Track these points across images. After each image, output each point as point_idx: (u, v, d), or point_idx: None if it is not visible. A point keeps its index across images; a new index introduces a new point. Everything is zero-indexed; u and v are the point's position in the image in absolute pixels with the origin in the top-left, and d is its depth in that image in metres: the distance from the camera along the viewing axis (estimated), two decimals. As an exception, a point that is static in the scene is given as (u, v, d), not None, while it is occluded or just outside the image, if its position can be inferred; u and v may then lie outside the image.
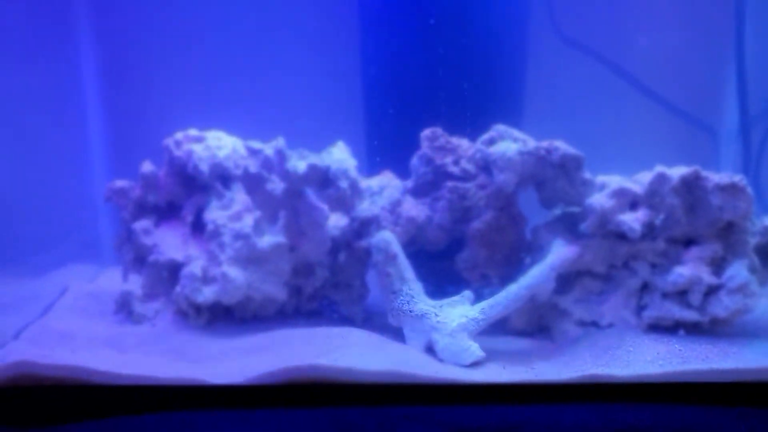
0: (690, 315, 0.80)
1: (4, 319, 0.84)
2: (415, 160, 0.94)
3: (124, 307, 0.89)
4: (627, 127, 1.11)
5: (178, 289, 0.85)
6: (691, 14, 1.08)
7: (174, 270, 0.87)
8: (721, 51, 1.06)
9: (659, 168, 0.83)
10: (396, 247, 0.87)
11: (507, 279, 0.86)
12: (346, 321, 0.93)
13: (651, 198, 0.83)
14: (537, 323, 0.89)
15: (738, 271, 0.79)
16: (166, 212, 0.92)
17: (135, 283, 0.90)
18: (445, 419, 0.72)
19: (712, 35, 1.07)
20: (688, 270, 0.80)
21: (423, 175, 0.93)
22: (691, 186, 0.81)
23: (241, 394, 0.75)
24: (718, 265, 0.81)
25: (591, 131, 1.05)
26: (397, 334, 0.87)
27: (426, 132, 0.92)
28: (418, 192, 0.94)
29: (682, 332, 0.81)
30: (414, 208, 0.92)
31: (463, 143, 0.93)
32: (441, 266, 0.94)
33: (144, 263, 0.89)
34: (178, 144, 0.90)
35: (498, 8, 1.02)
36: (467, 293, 0.85)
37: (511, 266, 0.90)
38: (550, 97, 1.06)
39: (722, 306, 0.79)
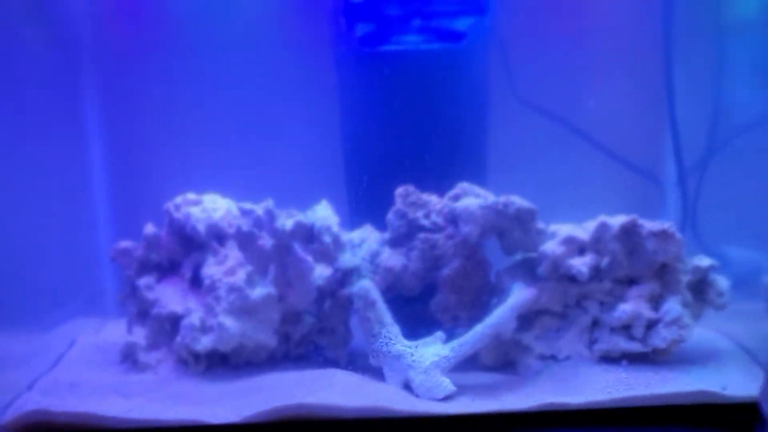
0: (634, 346, 0.91)
1: (17, 373, 0.92)
2: (390, 215, 1.04)
3: (128, 357, 0.97)
4: (581, 178, 1.23)
5: (178, 339, 0.94)
6: (633, 76, 1.22)
7: (175, 322, 0.96)
8: (660, 107, 1.19)
9: (602, 217, 0.94)
10: (375, 294, 0.97)
11: (475, 319, 0.96)
12: (332, 363, 1.02)
13: (596, 244, 0.94)
14: (503, 359, 0.99)
15: (672, 306, 0.90)
16: (167, 269, 1.02)
17: (138, 335, 0.99)
18: (420, 448, 0.81)
19: (652, 93, 1.20)
20: (630, 306, 0.90)
21: (398, 228, 1.03)
22: (629, 232, 0.93)
23: (237, 433, 0.84)
24: (656, 302, 0.92)
25: (548, 183, 1.17)
26: (378, 373, 0.95)
27: (399, 190, 1.04)
28: (394, 243, 1.04)
29: (625, 362, 0.91)
30: (391, 258, 1.02)
31: (432, 199, 1.04)
32: (416, 310, 1.03)
33: (147, 316, 0.98)
34: (177, 207, 1.00)
35: (462, 79, 1.15)
36: (439, 334, 0.95)
37: (478, 308, 1.00)
38: (510, 154, 1.18)
39: (660, 337, 0.89)
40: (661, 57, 1.14)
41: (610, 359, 0.93)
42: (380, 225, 1.07)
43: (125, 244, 1.02)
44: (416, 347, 0.93)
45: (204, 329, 0.94)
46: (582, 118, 1.21)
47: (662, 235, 0.90)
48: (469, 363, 1.00)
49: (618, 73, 1.22)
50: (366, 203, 1.12)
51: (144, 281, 0.98)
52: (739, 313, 1.06)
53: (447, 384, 0.89)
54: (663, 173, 1.22)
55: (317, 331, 1.02)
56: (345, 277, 1.01)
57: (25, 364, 0.96)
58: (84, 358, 1.02)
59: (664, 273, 0.93)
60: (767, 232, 0.97)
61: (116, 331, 1.10)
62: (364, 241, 1.05)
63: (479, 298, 1.01)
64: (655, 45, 1.15)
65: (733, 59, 1.08)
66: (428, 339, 0.95)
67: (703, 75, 1.15)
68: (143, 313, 0.98)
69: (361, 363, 0.99)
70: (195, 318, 0.94)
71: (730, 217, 1.10)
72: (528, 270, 0.99)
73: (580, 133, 1.20)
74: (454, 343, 0.93)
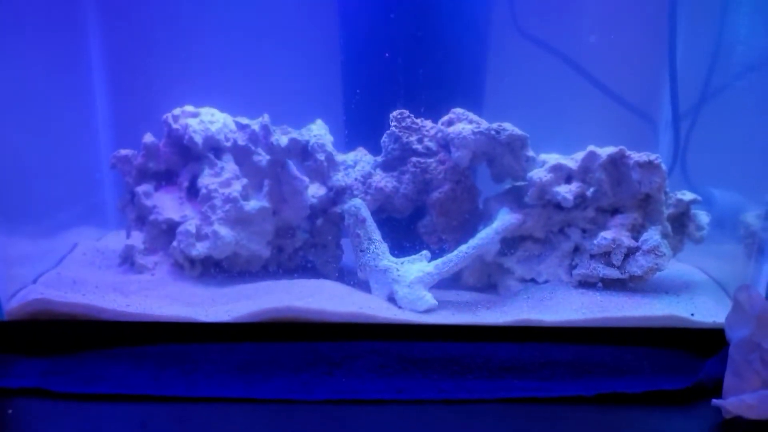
0: (612, 272, 0.94)
1: (23, 269, 0.97)
2: (385, 138, 1.06)
3: (127, 259, 1.01)
4: (578, 115, 1.24)
5: (174, 244, 0.98)
6: (636, 16, 1.22)
7: (171, 228, 1.00)
8: (661, 50, 1.19)
9: (591, 147, 0.96)
10: (365, 212, 1.00)
11: (461, 242, 0.99)
12: (323, 277, 1.06)
13: (583, 173, 0.96)
14: (486, 280, 1.03)
15: (651, 236, 0.93)
16: (165, 178, 1.05)
17: (137, 239, 1.03)
18: (399, 352, 0.86)
19: (653, 35, 1.20)
20: (611, 234, 0.93)
21: (391, 151, 1.06)
22: (616, 163, 0.95)
23: (228, 331, 0.89)
24: (637, 231, 0.95)
25: (545, 117, 1.18)
26: (366, 288, 1.00)
27: (394, 113, 1.05)
28: (387, 166, 1.07)
29: (600, 285, 0.95)
30: (383, 180, 1.05)
31: (427, 124, 1.06)
32: (406, 231, 1.07)
33: (145, 222, 1.02)
34: (175, 118, 1.02)
35: (464, 6, 1.15)
36: (425, 252, 0.99)
37: (465, 232, 1.03)
38: (509, 86, 1.19)
39: (638, 264, 0.93)
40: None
41: (587, 284, 0.97)
42: (376, 149, 1.09)
43: (125, 151, 1.04)
44: (402, 263, 0.97)
45: (199, 236, 0.97)
46: (582, 55, 1.21)
47: (647, 166, 0.92)
48: (453, 282, 1.05)
49: (620, 11, 1.21)
50: (362, 127, 1.14)
51: (142, 188, 1.02)
52: (720, 252, 1.09)
53: (429, 298, 0.93)
54: (658, 113, 1.23)
55: (310, 246, 1.06)
56: (337, 195, 1.04)
57: (31, 261, 1.00)
58: (85, 259, 1.06)
59: (647, 204, 0.95)
60: (753, 175, 0.99)
61: (116, 239, 1.14)
62: (358, 163, 1.07)
63: (466, 223, 1.04)
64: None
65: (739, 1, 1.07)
66: (414, 256, 0.98)
67: (705, 17, 1.14)
68: (141, 218, 1.02)
69: (350, 279, 1.03)
70: (191, 225, 0.97)
71: (719, 159, 1.12)
72: (515, 197, 1.02)
73: (579, 69, 1.20)
74: (438, 261, 0.97)
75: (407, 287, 0.95)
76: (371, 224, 1.00)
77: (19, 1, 0.96)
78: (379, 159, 1.07)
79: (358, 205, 1.00)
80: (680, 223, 0.99)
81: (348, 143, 1.13)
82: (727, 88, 1.08)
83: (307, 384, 0.80)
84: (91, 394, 0.78)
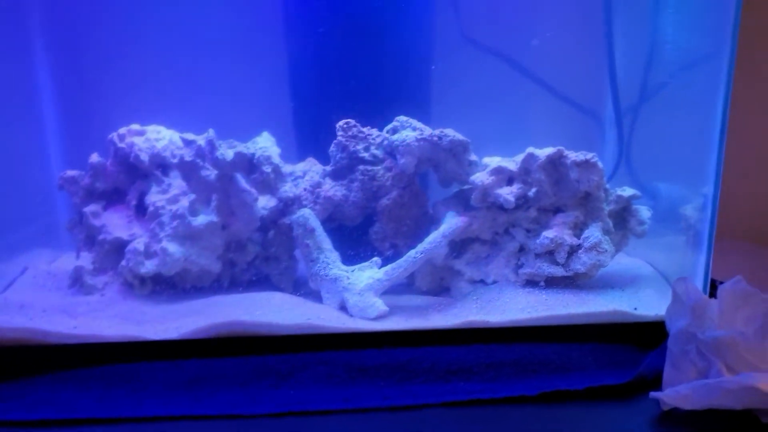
0: (557, 270, 0.96)
1: (-31, 294, 0.96)
2: (332, 148, 1.07)
3: (76, 281, 1.01)
4: (526, 116, 1.26)
5: (123, 263, 0.98)
6: (575, 16, 1.24)
7: (120, 247, 0.99)
8: (602, 50, 1.21)
9: (530, 149, 0.98)
10: (313, 222, 1.01)
11: (413, 247, 1.00)
12: (277, 290, 1.06)
13: (524, 174, 0.98)
14: (438, 284, 1.04)
15: (592, 233, 0.94)
16: (113, 197, 1.04)
17: (86, 260, 1.02)
18: (347, 361, 0.86)
19: (594, 34, 1.22)
20: (553, 233, 0.95)
21: (339, 160, 1.07)
22: (555, 163, 0.97)
23: (176, 348, 0.89)
24: (579, 229, 0.97)
25: (492, 119, 1.19)
26: (319, 298, 1.00)
27: (340, 123, 1.06)
28: (336, 175, 1.07)
29: (542, 284, 0.96)
30: (332, 189, 1.05)
31: (373, 132, 1.07)
32: (357, 238, 1.08)
33: (94, 242, 1.01)
34: (121, 137, 1.02)
35: (408, 14, 1.16)
36: (376, 259, 1.00)
37: (416, 237, 1.04)
38: (454, 90, 1.20)
39: (581, 262, 0.95)
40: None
41: (534, 283, 0.98)
42: (326, 159, 1.10)
43: (72, 172, 1.04)
44: (353, 271, 0.98)
45: (148, 254, 0.97)
46: (526, 57, 1.23)
47: (585, 165, 0.94)
48: (407, 287, 1.06)
49: (561, 13, 1.23)
50: (312, 137, 1.14)
51: (90, 208, 1.01)
52: (665, 245, 1.12)
53: (379, 304, 0.94)
54: (603, 112, 1.25)
55: (262, 258, 1.07)
56: (286, 206, 1.05)
57: (-23, 287, 1.00)
58: (35, 282, 1.05)
59: (587, 202, 0.97)
60: (692, 168, 1.01)
61: (69, 261, 1.13)
62: (307, 173, 1.08)
63: (417, 228, 1.06)
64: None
65: (667, 1, 1.10)
66: (364, 264, 0.99)
67: (639, 16, 1.17)
68: (90, 239, 1.02)
69: (305, 290, 1.03)
70: (139, 243, 0.97)
71: (662, 154, 1.14)
72: (462, 201, 1.04)
73: (524, 71, 1.22)
74: (388, 267, 0.97)
75: (357, 295, 0.95)
76: (321, 234, 1.00)
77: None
78: (328, 168, 1.08)
79: (306, 215, 1.00)
80: (622, 218, 1.01)
81: (299, 154, 1.14)
82: (664, 86, 1.10)
83: (254, 397, 0.81)
84: (35, 420, 0.77)
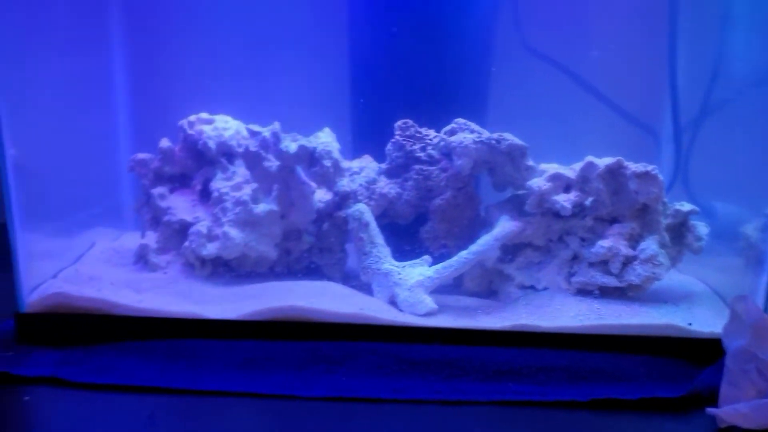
0: (610, 281, 0.96)
1: (44, 263, 1.02)
2: (389, 146, 1.10)
3: (141, 258, 1.06)
4: (581, 127, 1.26)
5: (186, 244, 1.02)
6: (638, 31, 1.24)
7: (184, 228, 1.04)
8: (663, 64, 1.21)
9: (589, 157, 0.98)
10: (368, 217, 1.03)
11: (462, 248, 1.01)
12: (327, 280, 1.09)
13: (582, 182, 0.98)
14: (486, 286, 1.05)
15: (649, 245, 0.94)
16: (179, 181, 1.09)
17: (150, 239, 1.07)
18: (397, 353, 0.88)
19: (656, 49, 1.22)
20: (609, 242, 0.95)
21: (395, 159, 1.09)
22: (614, 173, 0.97)
23: (233, 328, 0.92)
24: (635, 241, 0.97)
25: (547, 129, 1.20)
26: (368, 290, 1.03)
27: (399, 123, 1.09)
28: (391, 173, 1.10)
29: (597, 293, 0.96)
30: (386, 187, 1.08)
31: (430, 133, 1.09)
32: (408, 236, 1.10)
33: (159, 222, 1.06)
34: (191, 124, 1.07)
35: (470, 20, 1.18)
36: (426, 257, 1.02)
37: (466, 238, 1.06)
38: (512, 98, 1.22)
39: (635, 273, 0.94)
40: (667, 10, 1.15)
41: (585, 292, 0.98)
42: (381, 157, 1.13)
43: (142, 155, 1.09)
44: (403, 267, 1.00)
45: (210, 237, 1.01)
46: (585, 69, 1.23)
47: (645, 176, 0.94)
48: (454, 288, 1.07)
49: (624, 25, 1.23)
50: (369, 135, 1.17)
51: (158, 190, 1.06)
52: (720, 264, 1.10)
53: (429, 301, 0.96)
54: (661, 127, 1.24)
55: (316, 249, 1.10)
56: (342, 200, 1.08)
57: (52, 258, 1.05)
58: (102, 257, 1.11)
59: (644, 213, 0.97)
60: (753, 188, 1.00)
61: (132, 239, 1.19)
62: (363, 170, 1.11)
63: (467, 230, 1.07)
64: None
65: (738, 16, 1.09)
66: (415, 261, 1.01)
67: (706, 32, 1.16)
68: (156, 219, 1.07)
69: (353, 282, 1.06)
70: (202, 226, 1.02)
71: (720, 172, 1.13)
72: (516, 206, 1.05)
73: (582, 83, 1.23)
74: (439, 266, 0.99)
75: (408, 290, 0.97)
76: (374, 228, 1.03)
77: (49, 13, 1.02)
78: (384, 166, 1.11)
79: (361, 209, 1.03)
80: (679, 233, 1.00)
81: (354, 151, 1.17)
82: (727, 103, 1.09)
83: (307, 381, 0.83)
84: (101, 384, 0.82)
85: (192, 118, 1.08)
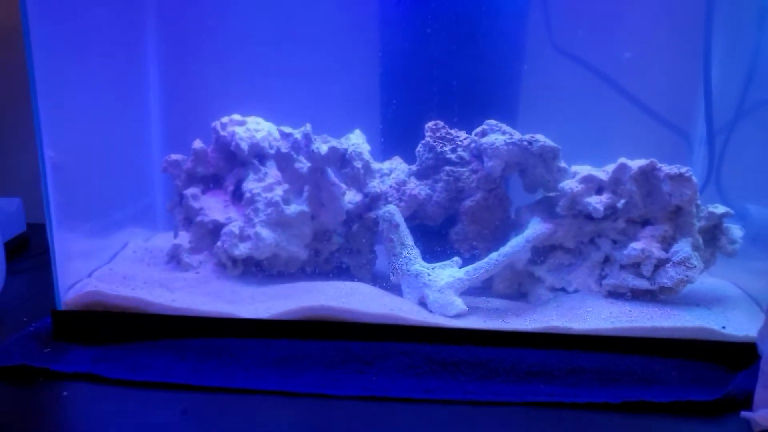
0: (642, 283, 0.95)
1: (79, 262, 1.04)
2: (419, 148, 1.10)
3: (174, 258, 1.08)
4: (612, 129, 1.25)
5: (218, 244, 1.04)
6: (671, 32, 1.23)
7: (216, 229, 1.05)
8: (696, 66, 1.20)
9: (622, 159, 0.98)
10: (399, 218, 1.04)
11: (492, 250, 1.01)
12: (357, 281, 1.10)
13: (614, 184, 0.98)
14: (517, 289, 1.05)
15: (682, 248, 0.93)
16: (212, 182, 1.11)
17: (183, 239, 1.09)
18: (428, 354, 0.88)
19: (689, 51, 1.20)
20: (641, 245, 0.94)
21: (426, 160, 1.09)
22: (647, 175, 0.96)
23: (266, 327, 0.93)
24: (668, 243, 0.96)
25: (579, 132, 1.19)
26: (398, 292, 1.03)
27: (429, 124, 1.09)
28: (421, 174, 1.10)
29: (629, 296, 0.95)
30: (416, 188, 1.08)
31: (461, 134, 1.09)
32: (438, 237, 1.10)
33: (192, 223, 1.08)
34: (223, 126, 1.09)
35: (500, 21, 1.18)
36: (456, 259, 1.02)
37: (496, 240, 1.06)
38: (543, 99, 1.21)
39: (668, 276, 0.93)
40: (702, 13, 1.14)
41: (617, 295, 0.98)
42: (411, 158, 1.13)
43: (176, 156, 1.11)
44: (433, 269, 1.00)
45: (242, 237, 1.03)
46: (617, 71, 1.22)
47: (678, 178, 0.93)
48: (484, 290, 1.07)
49: (657, 28, 1.22)
50: (399, 136, 1.18)
51: (191, 191, 1.08)
52: (755, 268, 1.08)
53: (459, 303, 0.96)
54: (693, 129, 1.23)
55: (345, 250, 1.10)
56: (372, 202, 1.08)
57: (86, 257, 1.07)
58: (135, 257, 1.13)
59: (678, 216, 0.96)
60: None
61: (164, 239, 1.21)
62: (393, 171, 1.11)
63: (498, 231, 1.07)
64: (697, 1, 1.15)
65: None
66: (445, 262, 1.01)
67: (741, 32, 1.14)
68: (188, 219, 1.08)
69: (383, 283, 1.07)
70: (235, 226, 1.03)
71: (754, 176, 1.11)
72: (547, 208, 1.04)
73: (614, 85, 1.22)
74: (469, 267, 0.99)
75: (438, 292, 0.97)
76: (404, 230, 1.03)
77: (86, 16, 1.05)
78: (414, 168, 1.11)
79: (392, 210, 1.03)
80: (712, 236, 0.99)
81: (384, 152, 1.17)
82: (763, 105, 1.07)
83: (339, 380, 0.84)
84: (137, 381, 0.83)
85: (225, 119, 1.09)
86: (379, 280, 1.10)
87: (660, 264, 0.94)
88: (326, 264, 1.10)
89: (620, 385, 0.83)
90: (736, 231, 0.98)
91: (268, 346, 0.90)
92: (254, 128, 1.07)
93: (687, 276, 0.93)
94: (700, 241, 0.95)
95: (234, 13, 1.23)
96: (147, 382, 0.84)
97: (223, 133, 1.08)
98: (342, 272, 1.12)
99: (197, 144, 1.10)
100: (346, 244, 1.10)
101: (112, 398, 0.82)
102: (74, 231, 1.02)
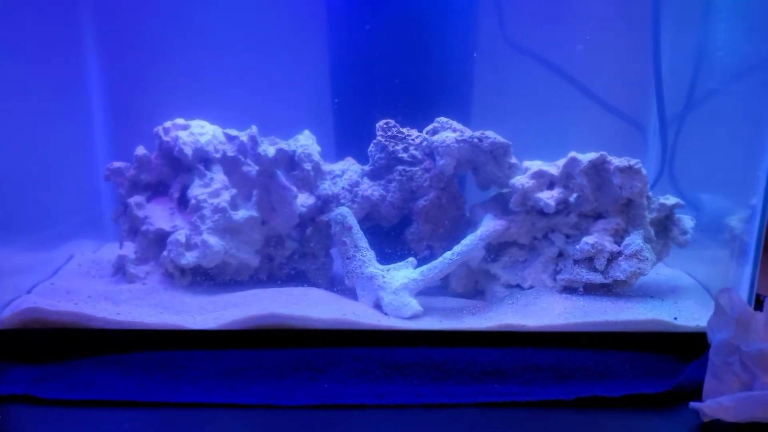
0: (595, 277, 0.95)
1: (19, 279, 0.99)
2: (371, 147, 1.08)
3: (119, 270, 1.04)
4: (568, 123, 1.25)
5: (165, 253, 1.00)
6: (622, 23, 1.23)
7: (162, 238, 1.02)
8: (647, 57, 1.20)
9: (572, 153, 0.97)
10: (351, 220, 1.01)
11: (448, 249, 1.00)
12: (313, 286, 1.07)
13: (565, 179, 0.97)
14: (473, 287, 1.04)
15: (633, 240, 0.93)
16: (156, 190, 1.07)
17: (129, 250, 1.05)
18: (381, 358, 0.86)
19: (640, 43, 1.21)
20: (593, 239, 0.94)
21: (378, 160, 1.07)
22: (598, 168, 0.96)
23: (214, 338, 0.90)
24: (620, 236, 0.96)
25: (533, 126, 1.19)
26: (354, 295, 1.01)
27: (380, 123, 1.07)
28: (374, 175, 1.08)
29: (581, 290, 0.95)
30: (369, 189, 1.06)
31: (412, 132, 1.07)
32: (393, 238, 1.08)
33: (137, 232, 1.04)
34: (166, 131, 1.05)
35: (451, 18, 1.17)
36: (411, 259, 1.00)
37: (452, 239, 1.04)
38: (496, 95, 1.20)
39: (621, 269, 0.93)
40: (650, 5, 1.14)
41: (571, 289, 0.97)
42: (365, 159, 1.11)
43: (118, 164, 1.07)
44: (388, 270, 0.99)
45: (189, 246, 0.99)
46: (570, 64, 1.22)
47: (628, 171, 0.93)
48: (441, 289, 1.06)
49: (607, 20, 1.22)
50: (351, 136, 1.16)
51: (134, 199, 1.04)
52: (707, 257, 1.09)
53: (414, 304, 0.94)
54: (647, 122, 1.23)
55: (300, 255, 1.08)
56: (324, 204, 1.06)
57: (27, 272, 1.03)
58: (80, 270, 1.09)
59: (629, 208, 0.96)
60: (739, 179, 0.99)
61: (112, 250, 1.16)
62: (345, 172, 1.09)
63: (453, 230, 1.06)
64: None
65: (721, 5, 1.08)
66: (400, 264, 1.00)
67: (688, 23, 1.15)
68: (134, 229, 1.05)
69: (340, 287, 1.04)
70: (181, 235, 1.00)
71: (706, 165, 1.12)
72: (500, 204, 1.03)
73: (567, 78, 1.21)
74: (424, 267, 0.98)
75: (393, 294, 0.96)
76: (358, 232, 1.01)
77: (15, 20, 1.00)
78: (367, 168, 1.09)
79: (344, 213, 1.01)
80: (664, 227, 0.99)
81: (337, 153, 1.15)
82: (711, 95, 1.08)
83: (290, 389, 0.82)
84: (78, 400, 0.80)
85: (167, 124, 1.06)
86: (336, 284, 1.08)
87: (613, 257, 0.94)
88: (280, 270, 1.07)
89: (574, 380, 0.83)
90: (688, 221, 0.98)
91: (217, 358, 0.87)
92: (198, 132, 1.04)
93: (639, 268, 0.92)
94: (652, 232, 0.95)
95: (177, 12, 1.19)
96: (89, 401, 0.80)
97: (166, 138, 1.04)
98: (297, 277, 1.09)
99: (139, 150, 1.06)
100: (301, 249, 1.08)
101: (52, 420, 0.78)
102: (11, 245, 0.98)
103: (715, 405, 0.72)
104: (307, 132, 1.08)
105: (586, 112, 1.25)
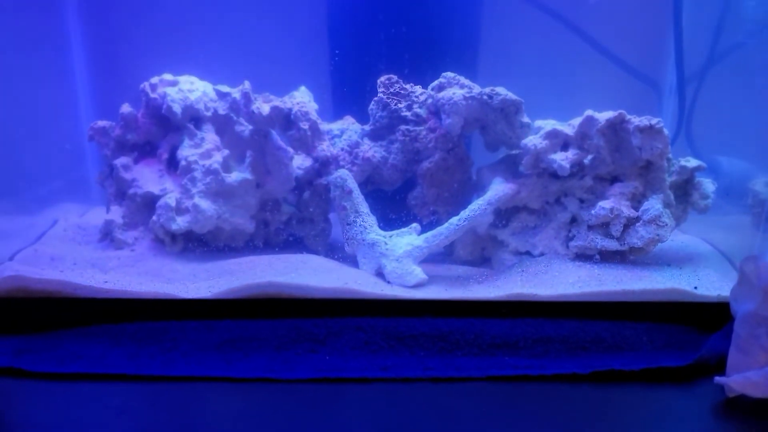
0: (611, 244, 0.90)
1: (1, 246, 0.94)
2: (372, 105, 1.02)
3: (107, 235, 0.98)
4: (578, 80, 1.18)
5: (154, 218, 0.95)
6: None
7: (151, 202, 0.96)
8: (666, 10, 1.12)
9: (588, 112, 0.91)
10: (351, 184, 0.96)
11: (453, 215, 0.95)
12: (311, 253, 1.02)
13: (581, 139, 0.91)
14: (480, 254, 0.99)
15: (652, 205, 0.88)
16: (144, 150, 1.01)
17: (116, 214, 0.99)
18: (385, 329, 0.82)
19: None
20: (610, 203, 0.89)
21: (380, 119, 1.01)
22: (616, 128, 0.89)
23: (208, 307, 0.86)
24: (638, 200, 0.90)
25: (543, 83, 1.13)
26: (354, 263, 0.96)
27: (382, 79, 1.00)
28: (375, 135, 1.02)
29: (597, 258, 0.90)
30: (370, 150, 1.00)
31: (416, 89, 1.01)
32: (395, 203, 1.03)
33: (124, 196, 0.98)
34: (153, 87, 0.98)
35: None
36: (415, 225, 0.95)
37: (458, 204, 0.99)
38: (505, 50, 1.13)
39: (638, 236, 0.88)
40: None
41: (585, 257, 0.92)
42: (364, 118, 1.04)
43: (102, 123, 1.00)
44: (391, 237, 0.94)
45: (179, 210, 0.94)
46: (583, 18, 1.14)
47: (648, 131, 0.87)
48: (445, 256, 1.01)
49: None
50: (350, 94, 1.09)
51: (121, 161, 0.98)
52: (727, 223, 1.05)
53: (418, 272, 0.90)
54: (662, 78, 1.16)
55: (297, 221, 1.03)
56: (323, 166, 1.00)
57: (8, 238, 0.98)
58: (66, 235, 1.03)
59: (648, 171, 0.90)
60: (763, 141, 0.93)
61: (99, 215, 1.11)
62: (345, 132, 1.03)
63: (459, 194, 1.00)
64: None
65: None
66: (403, 230, 0.94)
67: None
68: (121, 192, 0.99)
69: (339, 254, 1.00)
70: (171, 198, 0.94)
71: (726, 125, 1.06)
72: (510, 166, 0.98)
73: (579, 32, 1.14)
74: (428, 234, 0.93)
75: (396, 261, 0.91)
76: (358, 196, 0.96)
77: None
78: (367, 128, 1.03)
79: (344, 176, 0.95)
80: (684, 191, 0.94)
81: (336, 111, 1.08)
82: (735, 50, 1.01)
83: (289, 362, 0.77)
84: (66, 373, 0.75)
85: (154, 80, 0.98)
86: (335, 250, 1.03)
87: (630, 223, 0.89)
88: (277, 236, 1.02)
89: (589, 353, 0.79)
90: (709, 185, 0.93)
91: (210, 328, 0.83)
92: (188, 89, 0.97)
93: (658, 235, 0.87)
94: (672, 197, 0.90)
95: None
96: (77, 374, 0.75)
97: (153, 95, 0.97)
98: (295, 244, 1.04)
99: (125, 108, 0.99)
100: (298, 214, 1.02)
101: (37, 394, 0.74)
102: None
103: (742, 380, 0.68)
104: (303, 88, 1.01)
105: (598, 68, 1.19)
